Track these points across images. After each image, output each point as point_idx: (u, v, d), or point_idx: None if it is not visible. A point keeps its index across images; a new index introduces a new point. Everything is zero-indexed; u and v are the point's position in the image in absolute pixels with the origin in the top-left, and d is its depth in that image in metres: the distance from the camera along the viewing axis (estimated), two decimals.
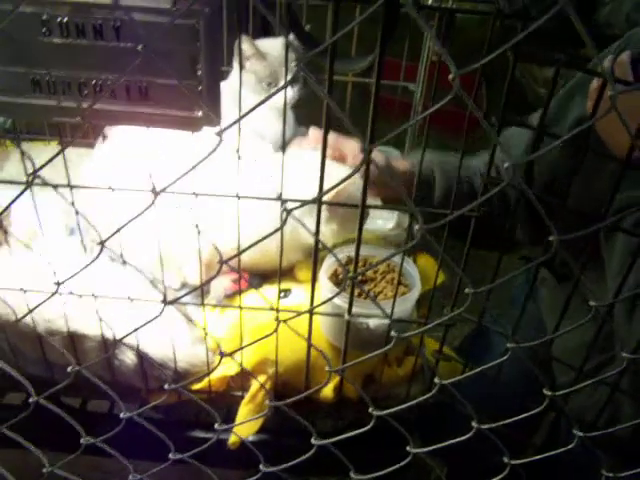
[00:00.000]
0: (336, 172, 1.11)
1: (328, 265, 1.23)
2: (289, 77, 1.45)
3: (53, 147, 1.74)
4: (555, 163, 1.28)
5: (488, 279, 0.86)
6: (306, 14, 1.68)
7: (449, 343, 1.29)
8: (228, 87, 1.69)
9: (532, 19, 0.70)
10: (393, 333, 0.70)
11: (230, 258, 0.66)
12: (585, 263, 1.26)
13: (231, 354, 0.79)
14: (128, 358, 1.19)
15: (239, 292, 1.29)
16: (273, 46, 1.61)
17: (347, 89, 1.77)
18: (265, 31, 1.75)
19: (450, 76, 0.49)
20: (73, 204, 0.86)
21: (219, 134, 0.58)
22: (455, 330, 1.28)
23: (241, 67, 1.63)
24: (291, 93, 1.66)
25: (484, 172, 1.33)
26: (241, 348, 0.87)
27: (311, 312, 0.92)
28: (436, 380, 0.75)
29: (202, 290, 0.98)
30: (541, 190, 1.33)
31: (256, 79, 1.64)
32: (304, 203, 0.66)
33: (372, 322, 1.11)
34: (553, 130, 1.28)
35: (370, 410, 0.78)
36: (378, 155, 1.36)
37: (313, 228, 0.81)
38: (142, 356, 1.15)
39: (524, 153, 1.37)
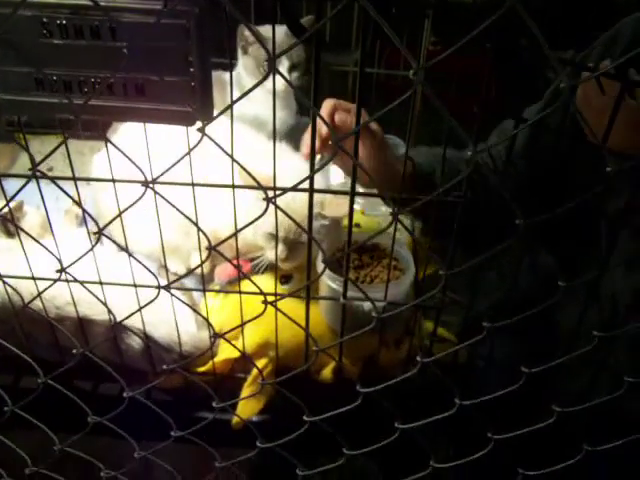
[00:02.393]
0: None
1: (326, 249, 1.26)
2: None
3: (59, 143, 1.79)
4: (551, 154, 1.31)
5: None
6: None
7: (453, 327, 1.33)
8: (236, 77, 1.74)
9: None
10: (374, 314, 0.74)
11: (218, 244, 0.70)
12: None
13: (224, 335, 0.83)
14: (135, 342, 1.24)
15: (239, 279, 1.32)
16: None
17: (349, 78, 1.80)
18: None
19: (411, 72, 0.53)
20: (79, 196, 0.90)
21: (201, 130, 0.62)
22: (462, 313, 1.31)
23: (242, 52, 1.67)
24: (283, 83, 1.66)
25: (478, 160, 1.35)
26: (237, 327, 0.90)
27: (308, 295, 0.96)
28: (418, 358, 0.79)
29: (202, 275, 1.02)
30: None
31: (256, 63, 1.67)
32: (290, 190, 0.69)
33: (367, 305, 1.14)
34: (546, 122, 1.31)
35: (358, 388, 0.82)
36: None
37: None
38: (148, 340, 1.20)
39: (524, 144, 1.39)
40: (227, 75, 1.55)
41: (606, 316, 1.29)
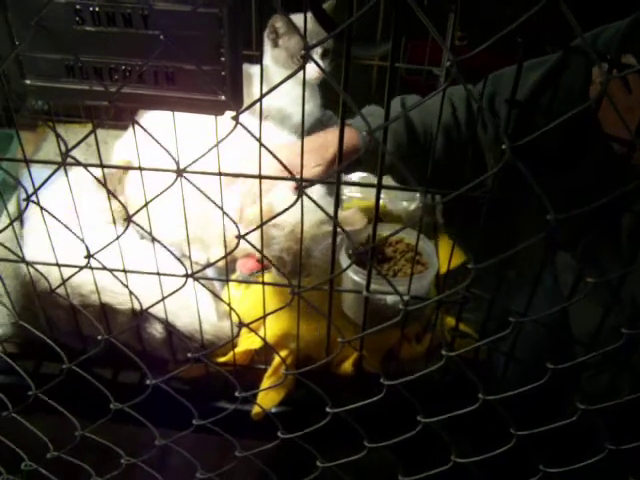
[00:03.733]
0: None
1: (348, 244, 1.26)
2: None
3: (88, 129, 1.79)
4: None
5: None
6: None
7: (472, 324, 1.32)
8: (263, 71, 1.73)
9: None
10: (401, 306, 0.73)
11: (247, 233, 0.71)
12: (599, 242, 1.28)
13: (249, 324, 0.83)
14: (156, 331, 1.25)
15: (262, 271, 1.33)
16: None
17: (372, 72, 1.80)
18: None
19: (447, 63, 0.53)
20: (105, 181, 0.91)
21: (235, 118, 0.62)
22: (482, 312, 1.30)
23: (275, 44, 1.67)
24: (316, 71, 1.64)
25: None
26: (260, 318, 0.91)
27: (331, 287, 0.96)
28: (443, 352, 0.79)
29: (227, 266, 1.02)
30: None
31: (287, 55, 1.66)
32: (319, 182, 0.70)
33: (389, 298, 1.14)
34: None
35: (381, 380, 0.82)
36: None
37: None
38: (170, 328, 1.21)
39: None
40: (253, 68, 1.54)
41: (627, 318, 1.27)
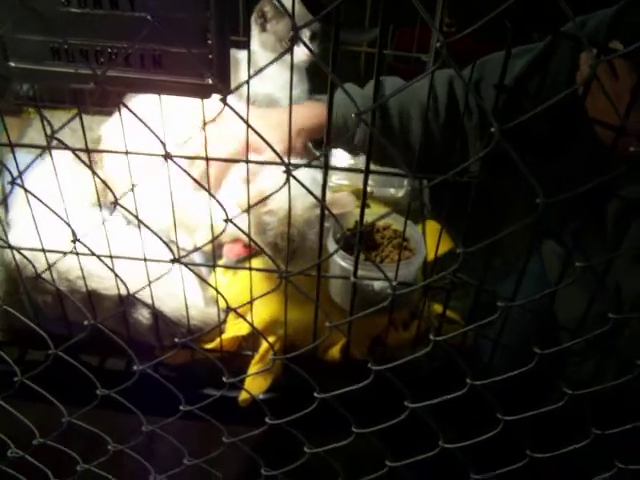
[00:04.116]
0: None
1: (335, 230, 1.26)
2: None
3: (74, 114, 1.78)
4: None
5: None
6: None
7: (458, 312, 1.33)
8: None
9: None
10: (389, 291, 0.73)
11: (235, 216, 0.70)
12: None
13: (236, 309, 0.83)
14: (143, 317, 1.24)
15: (249, 256, 1.32)
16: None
17: (360, 59, 1.79)
18: None
19: (437, 44, 0.52)
20: (91, 166, 0.90)
21: (222, 100, 0.61)
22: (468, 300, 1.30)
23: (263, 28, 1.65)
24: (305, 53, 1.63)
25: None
26: (247, 303, 0.90)
27: (319, 273, 0.96)
28: (431, 336, 0.79)
29: (214, 250, 1.01)
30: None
31: (275, 39, 1.65)
32: (305, 166, 0.69)
33: (377, 284, 1.14)
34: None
35: (369, 365, 0.82)
36: None
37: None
38: (157, 314, 1.20)
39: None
40: (240, 53, 1.53)
41: (612, 305, 1.28)
